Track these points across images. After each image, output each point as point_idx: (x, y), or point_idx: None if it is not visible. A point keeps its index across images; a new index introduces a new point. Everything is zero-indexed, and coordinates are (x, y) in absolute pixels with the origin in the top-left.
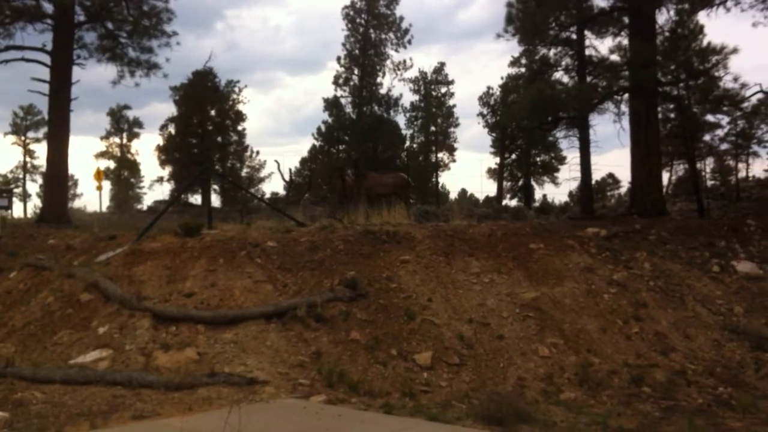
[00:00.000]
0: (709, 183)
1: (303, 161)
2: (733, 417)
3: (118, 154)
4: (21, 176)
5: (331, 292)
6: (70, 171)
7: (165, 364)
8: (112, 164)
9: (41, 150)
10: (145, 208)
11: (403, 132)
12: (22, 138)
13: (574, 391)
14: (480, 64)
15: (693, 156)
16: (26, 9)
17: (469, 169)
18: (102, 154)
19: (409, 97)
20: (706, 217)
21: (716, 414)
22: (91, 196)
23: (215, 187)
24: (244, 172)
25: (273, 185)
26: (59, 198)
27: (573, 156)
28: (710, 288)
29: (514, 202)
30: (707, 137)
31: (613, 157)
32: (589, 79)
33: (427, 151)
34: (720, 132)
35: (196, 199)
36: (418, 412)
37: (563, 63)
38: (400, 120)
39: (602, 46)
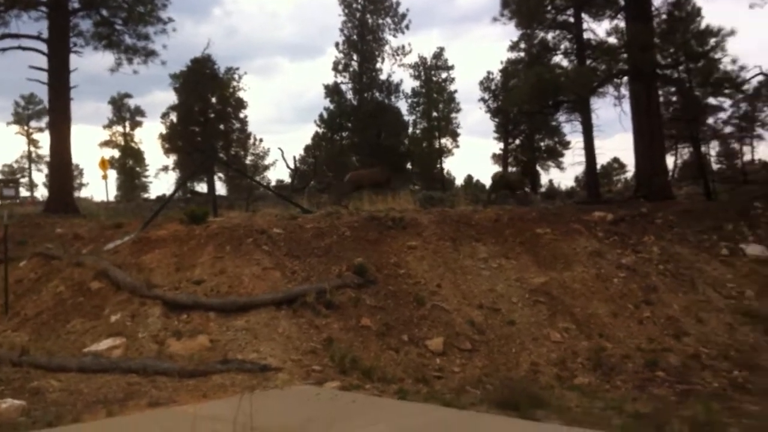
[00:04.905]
0: (715, 167)
1: (307, 148)
2: (749, 401)
3: (122, 143)
4: (26, 166)
5: (340, 278)
6: (76, 160)
7: (178, 352)
8: (116, 153)
9: (45, 139)
10: (152, 197)
11: (406, 118)
12: (25, 127)
13: (587, 376)
14: (480, 49)
15: (697, 139)
16: None
17: (475, 155)
18: (106, 143)
19: (409, 83)
20: (713, 201)
21: (732, 397)
22: (98, 186)
23: (220, 175)
24: (249, 159)
25: (278, 173)
26: (65, 187)
27: (577, 140)
28: (720, 271)
29: None
30: (710, 120)
31: (618, 142)
32: (588, 62)
33: (430, 137)
34: (723, 115)
35: (202, 187)
36: (433, 398)
37: (562, 47)
38: (402, 106)
39: (600, 29)
